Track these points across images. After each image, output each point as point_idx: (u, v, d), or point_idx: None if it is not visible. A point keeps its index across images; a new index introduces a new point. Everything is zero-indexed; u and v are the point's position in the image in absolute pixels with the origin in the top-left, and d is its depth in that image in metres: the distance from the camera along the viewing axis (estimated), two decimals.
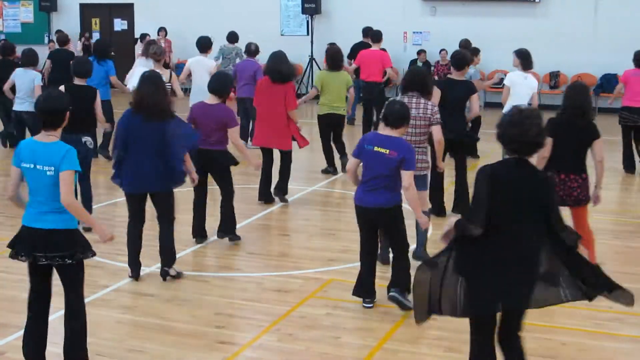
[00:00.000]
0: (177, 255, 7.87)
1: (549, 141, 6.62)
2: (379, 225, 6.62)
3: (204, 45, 12.92)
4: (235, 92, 13.04)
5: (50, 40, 22.24)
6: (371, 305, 6.63)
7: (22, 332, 5.92)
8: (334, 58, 11.41)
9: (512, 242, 4.59)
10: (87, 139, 8.54)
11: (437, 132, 7.64)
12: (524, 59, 10.28)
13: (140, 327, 6.27)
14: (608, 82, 18.04)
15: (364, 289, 6.64)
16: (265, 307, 6.69)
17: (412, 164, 6.34)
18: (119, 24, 23.07)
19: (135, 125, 7.12)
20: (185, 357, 5.76)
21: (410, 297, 5.83)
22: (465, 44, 14.30)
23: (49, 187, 5.12)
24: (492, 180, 4.60)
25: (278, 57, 9.95)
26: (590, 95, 7.40)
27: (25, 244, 5.21)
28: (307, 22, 20.93)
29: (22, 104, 11.62)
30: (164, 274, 7.30)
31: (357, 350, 5.84)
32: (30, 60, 11.79)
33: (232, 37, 15.00)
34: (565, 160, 7.00)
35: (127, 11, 22.82)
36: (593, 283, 4.71)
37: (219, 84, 8.20)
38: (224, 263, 7.96)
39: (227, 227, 8.46)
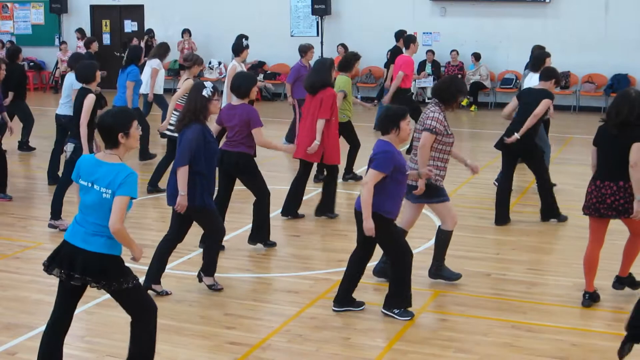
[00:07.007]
0: (187, 257, 7.92)
1: None
2: None
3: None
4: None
5: (61, 42, 22.30)
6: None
7: (33, 332, 5.97)
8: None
9: None
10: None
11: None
12: None
13: None
14: (619, 83, 17.97)
15: None
16: (275, 307, 6.70)
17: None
18: (129, 25, 23.13)
19: None
20: (195, 357, 5.77)
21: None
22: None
23: None
24: None
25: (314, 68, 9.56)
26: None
27: None
28: (317, 23, 20.92)
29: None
30: None
31: (367, 351, 5.84)
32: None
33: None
34: None
35: (137, 12, 22.87)
36: None
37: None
38: (234, 264, 7.96)
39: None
